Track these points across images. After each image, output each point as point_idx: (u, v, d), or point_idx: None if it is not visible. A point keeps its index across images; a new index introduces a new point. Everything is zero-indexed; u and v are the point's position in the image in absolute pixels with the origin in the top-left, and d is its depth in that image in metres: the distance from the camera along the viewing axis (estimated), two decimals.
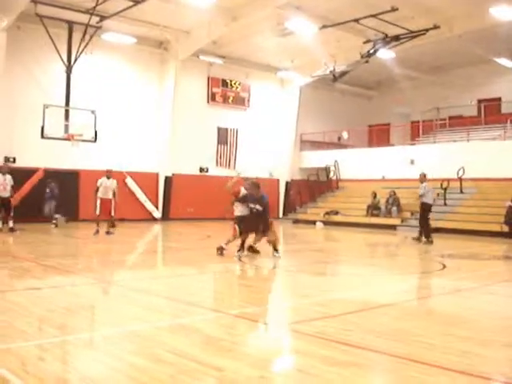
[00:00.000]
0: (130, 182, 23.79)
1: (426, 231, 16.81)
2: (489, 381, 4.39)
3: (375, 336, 5.62)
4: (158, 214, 24.94)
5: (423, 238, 16.76)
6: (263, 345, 5.53)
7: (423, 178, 17.60)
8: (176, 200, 25.34)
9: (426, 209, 16.96)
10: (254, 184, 12.34)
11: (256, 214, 11.95)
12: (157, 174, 25.41)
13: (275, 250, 11.97)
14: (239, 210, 12.25)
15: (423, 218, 16.99)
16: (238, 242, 12.19)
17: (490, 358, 5.05)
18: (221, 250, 12.06)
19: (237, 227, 12.10)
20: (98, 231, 16.73)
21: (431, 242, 16.41)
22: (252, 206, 11.97)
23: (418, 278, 10.33)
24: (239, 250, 12.01)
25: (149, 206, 24.61)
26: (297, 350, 5.23)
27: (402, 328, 6.00)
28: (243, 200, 12.18)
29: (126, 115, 24.25)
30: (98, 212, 17.00)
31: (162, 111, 25.36)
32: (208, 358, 4.76)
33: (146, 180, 24.69)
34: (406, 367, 4.63)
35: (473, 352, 5.12)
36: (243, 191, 12.39)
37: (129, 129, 24.32)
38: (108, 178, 17.13)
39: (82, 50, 21.12)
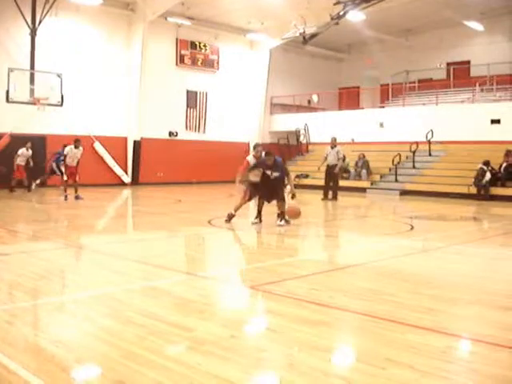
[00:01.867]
0: (98, 146, 23.50)
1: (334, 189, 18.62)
2: (455, 337, 4.49)
3: (344, 295, 5.71)
4: (127, 178, 24.73)
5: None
6: (234, 305, 5.58)
7: (334, 143, 19.33)
8: (145, 164, 25.14)
9: (329, 170, 18.79)
10: (267, 153, 11.42)
11: (273, 181, 11.12)
12: (125, 139, 25.09)
13: (283, 218, 11.13)
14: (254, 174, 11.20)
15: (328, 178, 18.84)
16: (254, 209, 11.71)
17: (456, 315, 5.16)
18: (230, 217, 11.33)
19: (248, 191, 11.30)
20: (66, 197, 16.64)
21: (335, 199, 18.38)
22: (268, 172, 11.03)
23: (386, 238, 10.45)
24: (256, 218, 11.35)
25: (117, 170, 24.37)
26: (267, 310, 5.28)
27: (370, 287, 6.09)
28: (255, 167, 11.26)
29: (92, 78, 23.76)
30: (66, 178, 16.92)
31: (129, 74, 24.91)
32: (179, 319, 4.78)
33: (115, 144, 24.39)
34: (375, 325, 4.71)
35: (440, 309, 5.23)
36: (251, 161, 11.58)
37: (96, 92, 23.85)
38: (76, 147, 16.92)
39: (47, 12, 20.61)
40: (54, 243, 9.25)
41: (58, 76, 20.16)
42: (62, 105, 20.32)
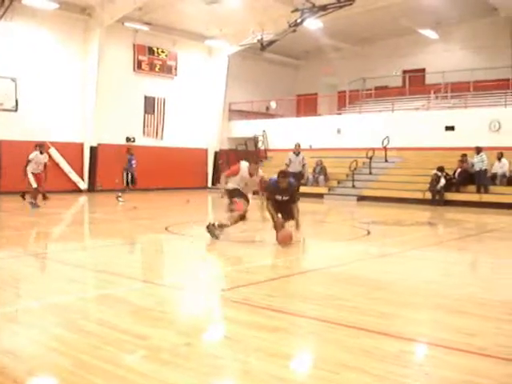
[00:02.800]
0: (53, 152, 23.09)
1: None
2: (409, 341, 4.54)
3: (300, 301, 5.75)
4: (83, 185, 24.39)
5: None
6: (191, 313, 5.55)
7: (298, 149, 18.97)
8: (102, 170, 24.82)
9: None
10: (282, 173, 9.88)
11: (282, 202, 9.87)
12: (82, 144, 24.75)
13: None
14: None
15: None
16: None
17: (411, 319, 5.23)
18: (220, 229, 9.92)
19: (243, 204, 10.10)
20: (36, 204, 16.19)
21: None
22: (279, 197, 9.79)
23: (342, 244, 10.53)
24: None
25: (74, 176, 24.02)
26: (224, 317, 5.27)
27: (326, 293, 6.12)
28: (268, 191, 9.95)
29: (48, 83, 23.34)
30: (35, 185, 16.24)
31: (86, 79, 24.57)
32: (134, 327, 4.73)
33: (71, 150, 24.00)
34: (331, 330, 4.74)
35: (394, 314, 5.30)
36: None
37: (52, 97, 23.44)
38: (41, 153, 16.56)
39: (2, 15, 20.24)
40: (8, 252, 9.06)
41: (13, 80, 19.81)
42: (16, 110, 19.96)
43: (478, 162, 19.59)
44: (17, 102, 19.87)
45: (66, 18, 23.81)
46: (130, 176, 20.06)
